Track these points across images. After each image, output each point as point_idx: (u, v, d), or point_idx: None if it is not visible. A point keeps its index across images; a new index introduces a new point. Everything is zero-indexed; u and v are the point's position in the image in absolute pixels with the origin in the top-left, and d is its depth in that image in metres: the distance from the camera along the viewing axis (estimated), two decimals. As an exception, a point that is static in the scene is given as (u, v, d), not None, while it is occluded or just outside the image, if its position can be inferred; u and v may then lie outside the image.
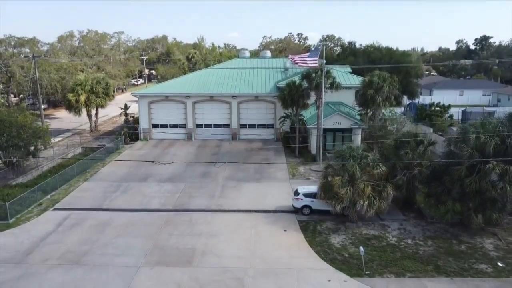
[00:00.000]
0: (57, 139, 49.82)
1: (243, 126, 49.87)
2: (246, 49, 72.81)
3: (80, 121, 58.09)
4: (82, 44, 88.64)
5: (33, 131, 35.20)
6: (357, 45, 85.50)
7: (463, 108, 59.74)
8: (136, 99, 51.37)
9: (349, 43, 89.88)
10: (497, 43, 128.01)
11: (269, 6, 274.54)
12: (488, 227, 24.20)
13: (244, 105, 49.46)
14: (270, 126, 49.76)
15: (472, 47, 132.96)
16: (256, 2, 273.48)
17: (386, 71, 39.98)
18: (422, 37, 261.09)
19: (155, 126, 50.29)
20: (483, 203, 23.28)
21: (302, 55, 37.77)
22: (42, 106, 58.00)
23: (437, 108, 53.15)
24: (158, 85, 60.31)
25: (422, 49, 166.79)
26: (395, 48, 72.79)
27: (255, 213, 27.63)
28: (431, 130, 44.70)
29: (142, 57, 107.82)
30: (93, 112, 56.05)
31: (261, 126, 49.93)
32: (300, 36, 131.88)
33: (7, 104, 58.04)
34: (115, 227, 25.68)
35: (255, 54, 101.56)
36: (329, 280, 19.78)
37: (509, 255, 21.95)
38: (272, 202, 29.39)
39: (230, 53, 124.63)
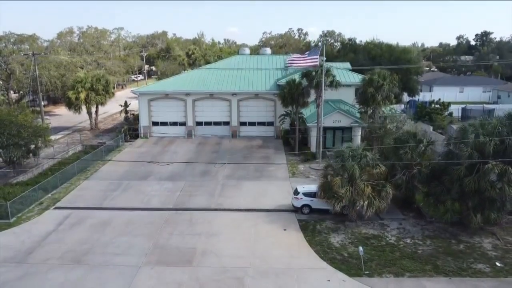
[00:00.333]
0: (57, 137, 49.90)
1: (243, 123, 49.90)
2: (246, 46, 72.79)
3: (80, 118, 58.12)
4: (81, 40, 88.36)
5: (33, 130, 35.23)
6: (358, 41, 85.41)
7: (463, 106, 59.72)
8: (136, 96, 51.46)
9: (350, 39, 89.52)
10: (497, 39, 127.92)
11: (269, 1, 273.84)
12: (487, 226, 24.33)
13: (244, 103, 49.47)
14: (270, 124, 49.77)
15: (473, 42, 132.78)
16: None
17: (386, 69, 39.90)
18: (422, 32, 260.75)
19: (155, 123, 50.34)
20: (482, 202, 23.40)
21: (301, 56, 37.83)
22: (42, 103, 57.98)
23: (437, 106, 53.17)
24: (158, 82, 60.18)
25: (422, 44, 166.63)
26: (395, 44, 72.77)
27: (255, 212, 27.75)
28: (431, 128, 44.70)
29: (142, 53, 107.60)
30: (93, 109, 56.03)
31: (261, 123, 49.93)
32: (300, 31, 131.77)
33: (7, 101, 58.03)
34: (116, 226, 25.80)
35: (255, 50, 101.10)
36: (329, 280, 19.91)
37: (508, 255, 22.07)
38: (272, 201, 29.51)
39: (230, 48, 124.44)
